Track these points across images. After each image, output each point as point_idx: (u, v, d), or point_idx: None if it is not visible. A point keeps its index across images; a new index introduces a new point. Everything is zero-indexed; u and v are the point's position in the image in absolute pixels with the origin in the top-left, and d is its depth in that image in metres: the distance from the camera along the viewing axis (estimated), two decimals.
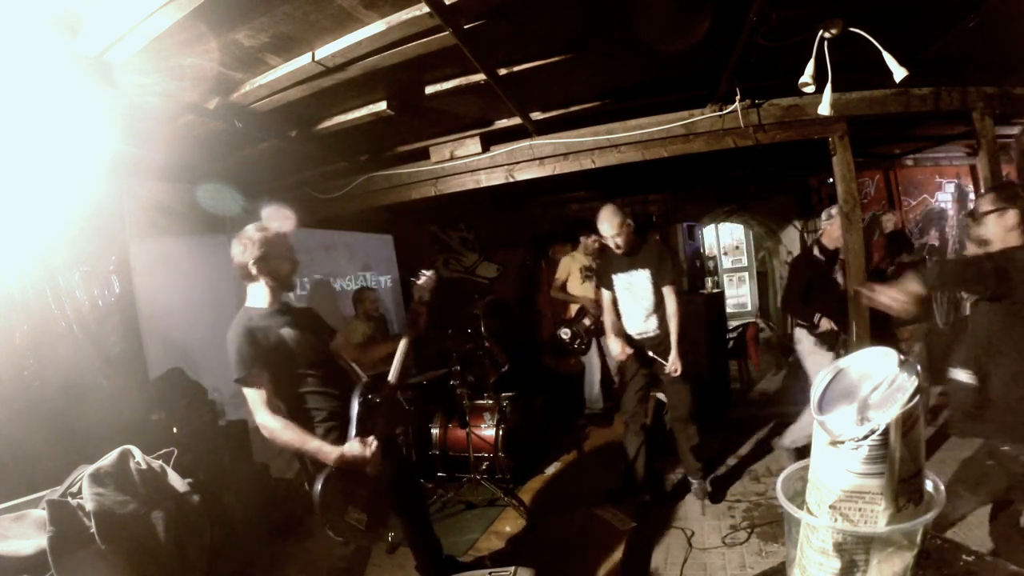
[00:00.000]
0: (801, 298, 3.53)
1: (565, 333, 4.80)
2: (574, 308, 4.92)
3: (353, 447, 2.01)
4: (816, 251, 3.55)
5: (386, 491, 2.32)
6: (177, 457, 1.95)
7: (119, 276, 2.48)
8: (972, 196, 5.88)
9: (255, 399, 1.97)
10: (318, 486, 1.95)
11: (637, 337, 3.25)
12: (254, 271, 2.09)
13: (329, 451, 1.98)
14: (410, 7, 1.92)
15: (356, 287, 5.01)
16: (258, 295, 2.15)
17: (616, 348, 3.15)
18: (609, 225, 3.12)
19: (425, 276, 2.46)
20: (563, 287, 4.96)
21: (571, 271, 4.95)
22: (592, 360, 4.87)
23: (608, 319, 3.31)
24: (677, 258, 6.60)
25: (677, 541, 3.18)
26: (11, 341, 2.07)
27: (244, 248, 2.10)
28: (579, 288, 4.92)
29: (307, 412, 2.10)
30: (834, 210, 3.47)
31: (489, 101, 2.93)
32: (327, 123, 3.02)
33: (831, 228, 3.48)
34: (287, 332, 2.09)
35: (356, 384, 2.20)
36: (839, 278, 3.53)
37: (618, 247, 3.18)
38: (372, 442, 2.04)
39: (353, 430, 2.08)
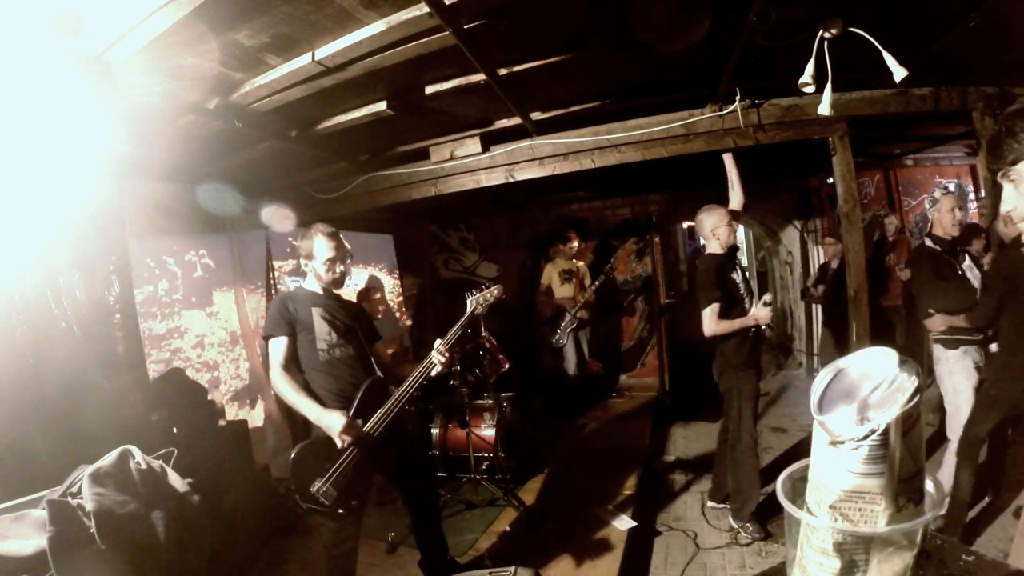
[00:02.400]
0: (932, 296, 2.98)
1: (547, 330, 5.54)
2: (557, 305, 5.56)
3: (332, 417, 2.13)
4: (929, 243, 3.12)
5: (388, 479, 2.52)
6: (177, 457, 1.95)
7: (119, 276, 2.48)
8: (972, 196, 5.87)
9: (272, 356, 2.25)
10: (293, 452, 2.13)
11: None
12: (303, 266, 2.38)
13: (312, 410, 2.15)
14: (410, 7, 1.92)
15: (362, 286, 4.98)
16: (311, 280, 2.40)
17: (764, 312, 3.04)
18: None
19: (490, 290, 2.54)
20: (547, 292, 5.59)
21: (552, 276, 5.57)
22: (569, 351, 5.40)
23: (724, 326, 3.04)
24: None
25: (677, 541, 3.18)
26: (11, 341, 2.07)
27: (302, 243, 2.36)
28: (560, 289, 5.54)
29: (311, 386, 2.29)
30: (938, 194, 3.12)
31: (489, 101, 2.93)
32: (327, 123, 3.02)
33: (940, 215, 3.04)
34: (318, 312, 2.32)
35: (369, 377, 2.35)
36: (970, 273, 3.02)
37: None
38: (340, 421, 2.13)
39: (351, 413, 2.22)
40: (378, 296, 4.57)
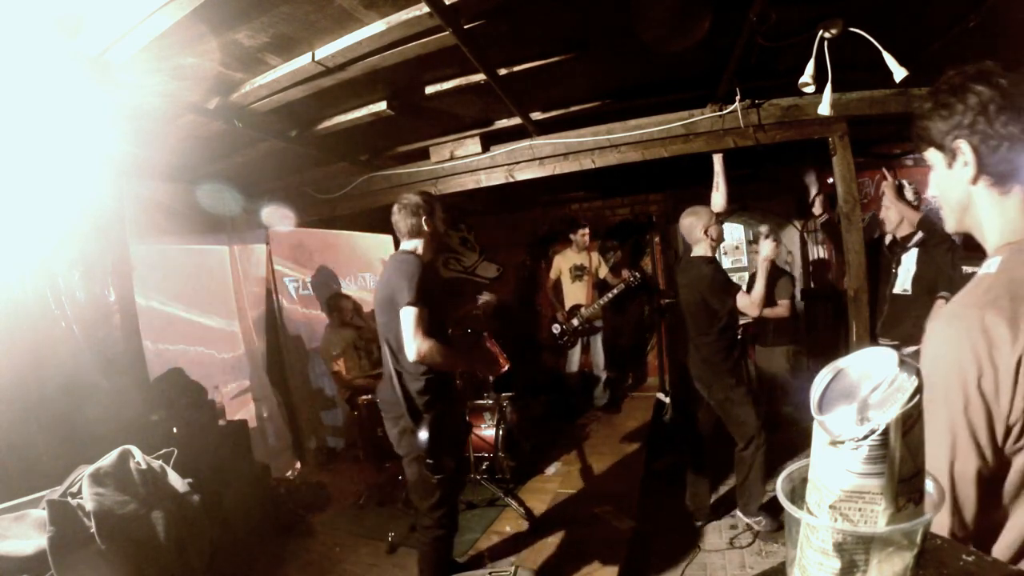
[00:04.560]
0: None
1: (556, 328, 5.23)
2: (568, 304, 5.27)
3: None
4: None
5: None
6: (177, 457, 1.95)
7: (119, 276, 2.48)
8: None
9: (418, 321, 2.17)
10: (426, 430, 2.24)
11: None
12: (425, 228, 2.41)
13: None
14: (410, 7, 1.92)
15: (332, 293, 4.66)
16: (423, 251, 2.44)
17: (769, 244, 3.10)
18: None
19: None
20: (555, 286, 5.29)
21: (562, 270, 5.24)
22: (573, 355, 5.27)
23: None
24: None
25: (677, 541, 3.18)
26: (11, 341, 2.07)
27: (419, 209, 2.40)
28: (570, 287, 5.22)
29: None
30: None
31: (489, 101, 2.93)
32: (327, 123, 3.02)
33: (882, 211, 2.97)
34: (436, 291, 2.42)
35: None
36: (900, 277, 2.92)
37: None
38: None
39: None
40: (349, 304, 4.51)
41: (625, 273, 5.05)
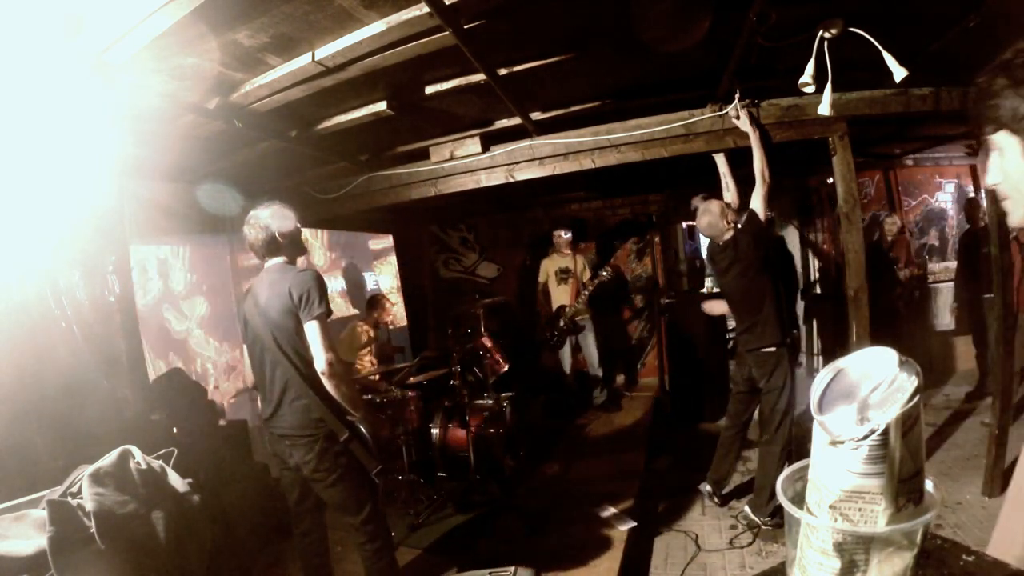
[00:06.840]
0: None
1: (545, 330, 5.42)
2: (554, 306, 5.39)
3: None
4: None
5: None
6: (177, 457, 1.95)
7: (119, 276, 2.48)
8: (972, 196, 5.87)
9: (327, 334, 2.16)
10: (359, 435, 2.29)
11: None
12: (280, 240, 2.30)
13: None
14: (410, 7, 1.92)
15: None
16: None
17: None
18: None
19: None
20: (544, 290, 5.45)
21: (548, 274, 5.40)
22: (565, 355, 5.43)
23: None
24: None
25: (677, 541, 3.18)
26: (11, 341, 2.07)
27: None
28: (556, 290, 5.35)
29: None
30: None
31: (489, 101, 2.93)
32: (327, 123, 3.01)
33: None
34: None
35: None
36: None
37: None
38: None
39: None
40: (390, 306, 4.59)
41: (604, 273, 5.18)
